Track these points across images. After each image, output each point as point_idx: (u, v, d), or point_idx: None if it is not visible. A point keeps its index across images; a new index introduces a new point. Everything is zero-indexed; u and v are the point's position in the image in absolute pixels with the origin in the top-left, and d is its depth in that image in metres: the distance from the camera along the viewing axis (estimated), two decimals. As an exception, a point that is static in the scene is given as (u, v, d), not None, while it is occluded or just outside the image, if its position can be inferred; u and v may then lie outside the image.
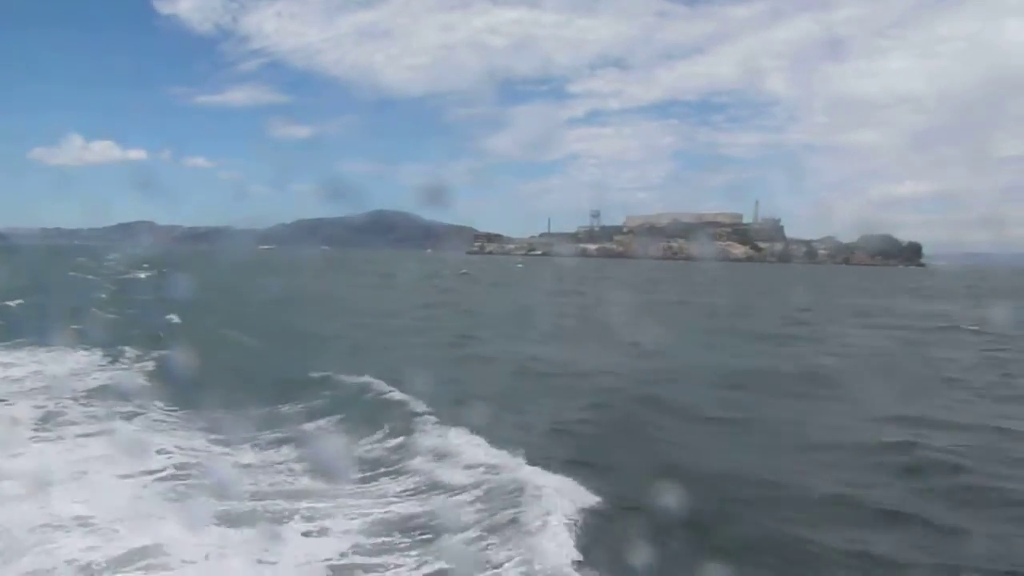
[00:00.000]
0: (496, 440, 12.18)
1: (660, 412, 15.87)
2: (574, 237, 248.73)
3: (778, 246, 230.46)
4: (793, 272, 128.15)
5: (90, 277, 51.58)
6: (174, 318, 28.02)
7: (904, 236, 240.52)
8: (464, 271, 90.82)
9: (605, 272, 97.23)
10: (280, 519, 9.67)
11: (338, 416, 15.07)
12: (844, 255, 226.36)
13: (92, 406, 15.41)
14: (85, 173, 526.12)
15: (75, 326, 23.47)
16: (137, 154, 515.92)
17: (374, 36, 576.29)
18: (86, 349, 21.51)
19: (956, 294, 66.37)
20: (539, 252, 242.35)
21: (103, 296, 39.32)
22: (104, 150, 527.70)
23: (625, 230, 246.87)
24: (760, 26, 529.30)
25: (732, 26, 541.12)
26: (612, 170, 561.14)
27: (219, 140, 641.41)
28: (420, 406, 14.68)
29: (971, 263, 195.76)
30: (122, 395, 16.30)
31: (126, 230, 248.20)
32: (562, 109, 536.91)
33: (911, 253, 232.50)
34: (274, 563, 8.39)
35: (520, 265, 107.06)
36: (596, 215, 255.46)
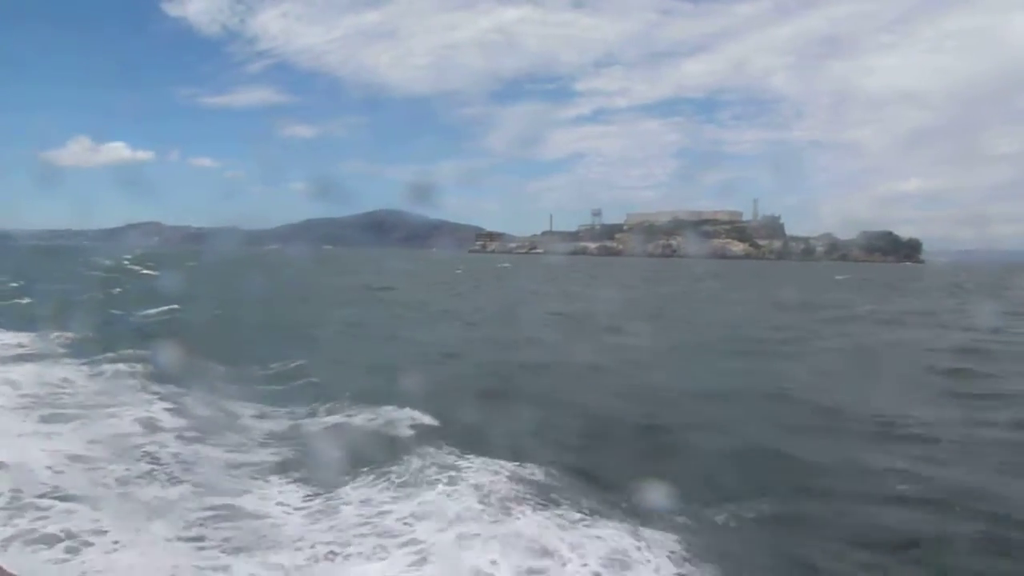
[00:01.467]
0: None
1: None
2: (575, 236, 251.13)
3: (776, 243, 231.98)
4: (778, 269, 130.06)
5: (115, 275, 54.45)
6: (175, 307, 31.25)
7: (909, 232, 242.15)
8: (458, 271, 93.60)
9: (588, 270, 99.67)
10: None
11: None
12: (842, 252, 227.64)
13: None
14: (93, 174, 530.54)
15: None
16: (145, 155, 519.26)
17: (379, 36, 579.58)
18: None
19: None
20: (540, 250, 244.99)
21: (119, 289, 42.46)
22: (113, 151, 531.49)
23: (625, 228, 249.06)
24: (765, 23, 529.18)
25: (737, 23, 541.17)
26: (618, 168, 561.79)
27: (226, 141, 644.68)
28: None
29: (977, 260, 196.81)
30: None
31: (134, 230, 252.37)
32: (568, 107, 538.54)
33: (910, 250, 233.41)
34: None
35: (507, 264, 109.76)
36: (597, 213, 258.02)
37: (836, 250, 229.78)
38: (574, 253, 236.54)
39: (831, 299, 50.72)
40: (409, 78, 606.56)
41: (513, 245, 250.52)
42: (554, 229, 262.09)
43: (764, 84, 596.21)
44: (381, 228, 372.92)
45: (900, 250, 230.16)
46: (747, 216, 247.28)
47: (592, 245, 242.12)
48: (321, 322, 29.05)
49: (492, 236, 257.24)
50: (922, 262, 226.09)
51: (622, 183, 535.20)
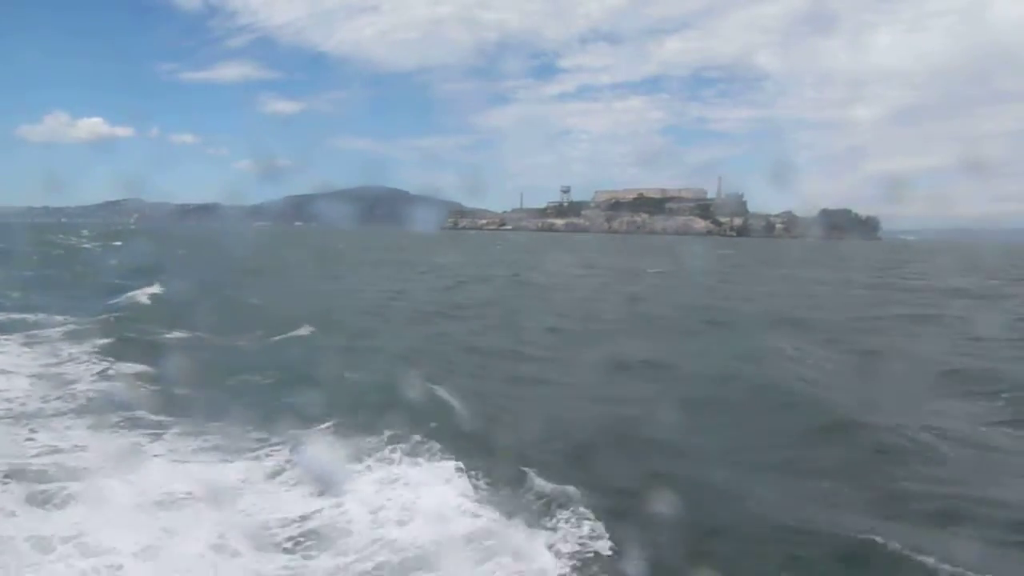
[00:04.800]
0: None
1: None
2: (543, 212, 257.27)
3: (737, 221, 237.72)
4: (700, 243, 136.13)
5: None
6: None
7: (888, 211, 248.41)
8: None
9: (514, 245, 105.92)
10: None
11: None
12: (800, 229, 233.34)
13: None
14: (72, 150, 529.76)
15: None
16: (125, 131, 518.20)
17: (363, 10, 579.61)
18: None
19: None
20: (509, 227, 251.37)
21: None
22: (91, 127, 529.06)
23: (592, 205, 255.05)
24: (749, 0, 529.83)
25: (722, 0, 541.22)
26: (601, 145, 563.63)
27: (208, 117, 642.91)
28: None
29: (948, 238, 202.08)
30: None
31: (114, 208, 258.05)
32: (553, 84, 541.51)
33: (868, 228, 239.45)
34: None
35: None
36: (567, 190, 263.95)
37: (795, 227, 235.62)
38: (541, 230, 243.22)
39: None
40: (393, 53, 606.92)
41: (483, 222, 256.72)
42: (524, 206, 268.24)
43: (748, 62, 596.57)
44: (363, 205, 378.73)
45: (857, 228, 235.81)
46: (712, 194, 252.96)
47: (559, 222, 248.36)
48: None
49: (463, 213, 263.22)
50: (879, 239, 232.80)
51: (604, 160, 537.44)
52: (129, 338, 19.38)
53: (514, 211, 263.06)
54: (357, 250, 79.11)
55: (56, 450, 10.88)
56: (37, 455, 10.66)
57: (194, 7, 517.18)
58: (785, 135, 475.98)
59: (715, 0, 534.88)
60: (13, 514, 8.63)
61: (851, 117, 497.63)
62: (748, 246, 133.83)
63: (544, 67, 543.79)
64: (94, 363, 16.56)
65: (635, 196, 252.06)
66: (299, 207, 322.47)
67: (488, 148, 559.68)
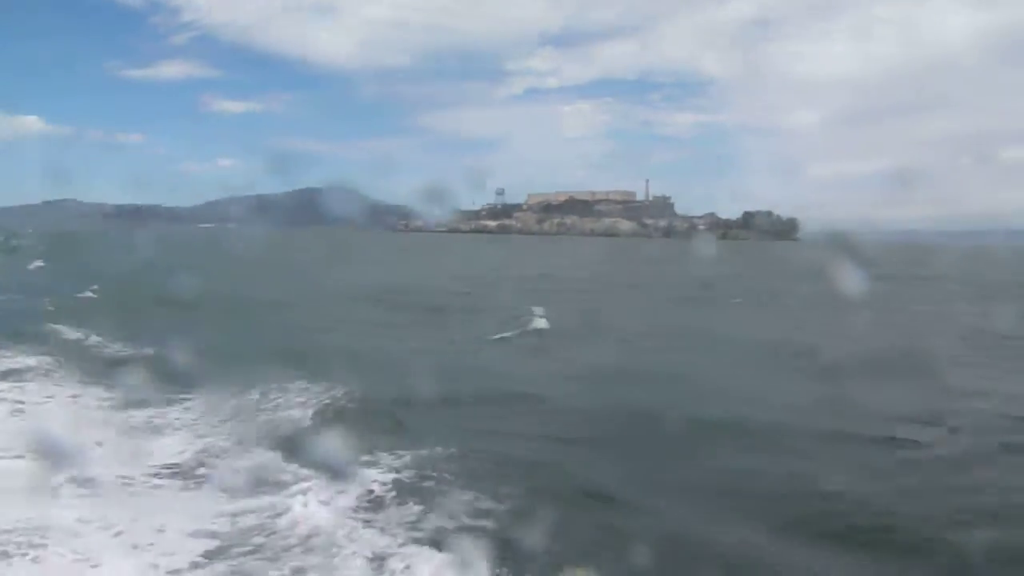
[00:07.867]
0: None
1: None
2: (477, 214, 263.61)
3: (662, 223, 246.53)
4: (605, 244, 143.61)
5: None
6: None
7: (818, 215, 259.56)
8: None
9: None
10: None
11: None
12: (722, 231, 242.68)
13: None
14: (8, 149, 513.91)
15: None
16: (64, 130, 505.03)
17: (307, 10, 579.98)
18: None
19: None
20: (443, 229, 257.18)
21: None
22: (29, 125, 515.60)
23: (524, 208, 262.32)
24: (699, 6, 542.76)
25: (670, 5, 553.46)
26: (547, 148, 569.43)
27: (150, 115, 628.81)
28: None
29: (888, 240, 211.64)
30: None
31: (51, 208, 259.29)
32: (499, 87, 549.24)
33: (788, 229, 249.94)
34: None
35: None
36: (500, 192, 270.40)
37: (717, 228, 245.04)
38: (475, 231, 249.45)
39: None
40: (339, 54, 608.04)
41: (420, 223, 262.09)
42: (463, 208, 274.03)
43: (694, 67, 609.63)
44: (311, 207, 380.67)
45: (777, 229, 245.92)
46: (640, 196, 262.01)
47: (492, 223, 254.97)
48: None
49: (401, 216, 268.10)
50: (796, 240, 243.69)
51: (549, 162, 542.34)
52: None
53: (453, 213, 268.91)
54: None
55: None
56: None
57: (135, 3, 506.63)
58: (727, 139, 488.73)
59: (662, 5, 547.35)
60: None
61: (791, 121, 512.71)
62: (608, 245, 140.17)
63: (491, 70, 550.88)
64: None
65: (565, 198, 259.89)
66: (247, 208, 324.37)
67: (435, 151, 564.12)
